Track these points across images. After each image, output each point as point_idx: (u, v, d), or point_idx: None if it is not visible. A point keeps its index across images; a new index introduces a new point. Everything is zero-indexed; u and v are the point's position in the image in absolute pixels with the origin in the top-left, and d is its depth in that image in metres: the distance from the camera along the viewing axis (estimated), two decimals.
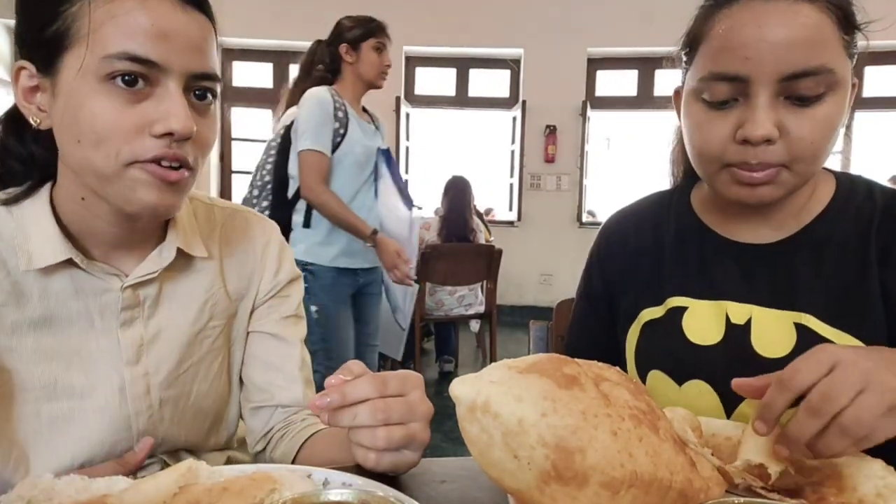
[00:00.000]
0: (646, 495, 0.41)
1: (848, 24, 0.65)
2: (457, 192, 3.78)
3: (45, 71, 0.59)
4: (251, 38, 5.49)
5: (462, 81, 6.13)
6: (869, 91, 5.52)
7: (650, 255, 0.84)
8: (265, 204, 2.14)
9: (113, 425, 0.66)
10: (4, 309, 0.62)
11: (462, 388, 0.44)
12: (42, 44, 0.58)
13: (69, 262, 0.63)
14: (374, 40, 2.05)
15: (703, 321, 0.76)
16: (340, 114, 2.01)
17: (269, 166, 2.14)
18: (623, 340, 0.84)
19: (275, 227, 0.83)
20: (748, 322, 0.73)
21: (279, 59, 5.79)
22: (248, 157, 6.15)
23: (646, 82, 5.93)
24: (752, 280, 0.75)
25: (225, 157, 6.04)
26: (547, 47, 5.76)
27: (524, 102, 5.85)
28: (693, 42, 0.71)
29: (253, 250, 0.79)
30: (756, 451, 0.52)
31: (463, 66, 6.09)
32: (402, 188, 2.31)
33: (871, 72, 5.50)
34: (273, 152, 2.14)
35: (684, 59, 0.74)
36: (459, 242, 3.64)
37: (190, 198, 0.76)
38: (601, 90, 5.99)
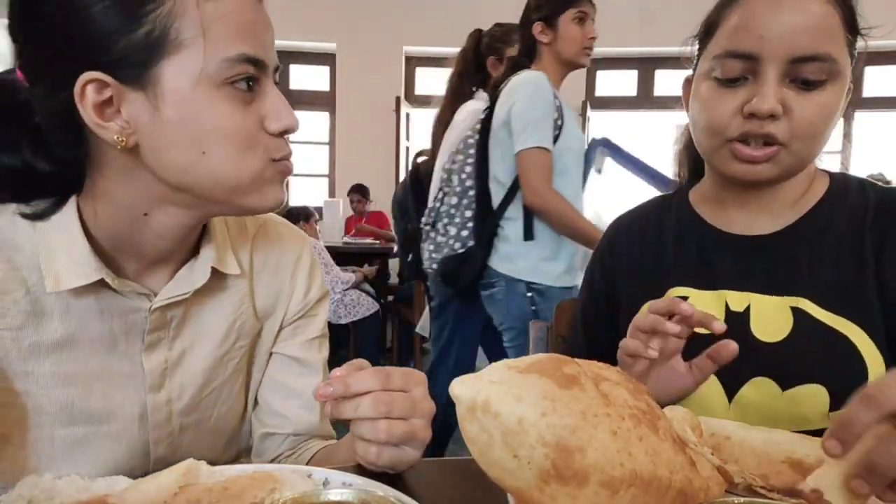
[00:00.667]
0: (645, 494, 0.41)
1: (852, 24, 0.70)
2: None
3: (131, 81, 0.52)
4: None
5: None
6: (869, 91, 5.52)
7: (652, 252, 0.87)
8: (468, 214, 1.87)
9: (130, 451, 0.64)
10: (22, 332, 0.57)
11: (462, 388, 0.44)
12: (128, 51, 0.51)
13: (97, 282, 0.58)
14: (574, 10, 1.77)
15: (704, 309, 0.77)
16: (558, 102, 1.71)
17: (468, 169, 1.87)
18: (625, 333, 0.85)
19: (306, 240, 0.79)
20: (747, 309, 0.76)
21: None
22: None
23: (646, 82, 5.93)
24: (749, 269, 0.78)
25: None
26: None
27: None
28: (709, 29, 0.76)
29: (284, 266, 0.75)
30: (828, 481, 0.44)
31: None
32: (653, 173, 1.93)
33: (871, 72, 5.50)
34: (471, 152, 1.85)
35: (697, 47, 0.79)
36: None
37: None
38: (601, 90, 5.99)
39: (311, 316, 0.77)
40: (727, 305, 0.77)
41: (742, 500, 0.43)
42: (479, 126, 1.84)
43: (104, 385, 0.62)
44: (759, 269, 0.77)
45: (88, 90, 0.52)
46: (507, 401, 0.41)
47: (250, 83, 0.55)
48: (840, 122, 0.74)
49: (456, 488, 0.56)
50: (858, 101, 5.53)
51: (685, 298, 0.80)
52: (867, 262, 0.72)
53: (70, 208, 0.58)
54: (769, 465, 0.53)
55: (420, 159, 2.73)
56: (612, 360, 0.87)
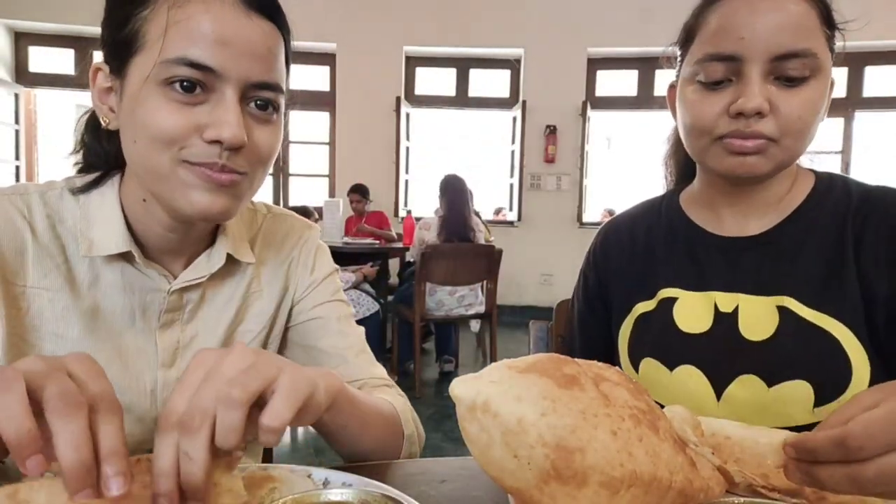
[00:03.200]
0: (645, 495, 0.41)
1: (829, 19, 0.72)
2: (454, 191, 3.77)
3: (116, 73, 0.60)
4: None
5: (462, 81, 6.13)
6: (869, 91, 5.53)
7: (643, 254, 0.89)
8: None
9: (139, 426, 0.66)
10: (59, 294, 0.63)
11: (462, 388, 0.44)
12: (116, 46, 0.59)
13: (123, 257, 0.64)
14: None
15: (693, 310, 0.81)
16: None
17: None
18: (617, 334, 0.89)
19: (313, 228, 0.83)
20: (735, 310, 0.77)
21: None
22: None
23: (646, 82, 5.93)
24: (737, 270, 0.79)
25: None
26: (547, 47, 5.77)
27: (524, 102, 5.86)
28: (689, 34, 0.77)
29: (288, 251, 0.79)
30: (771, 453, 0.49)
31: (463, 66, 6.10)
32: None
33: (871, 72, 5.50)
34: None
35: (679, 52, 0.80)
36: (460, 242, 3.63)
37: None
38: (601, 90, 6.00)
39: (319, 288, 0.80)
40: (716, 306, 0.79)
41: (742, 500, 0.43)
42: None
43: (121, 357, 0.66)
44: (747, 269, 0.79)
45: (99, 76, 0.62)
46: (507, 401, 0.41)
47: (187, 86, 0.56)
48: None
49: (456, 488, 0.56)
50: (858, 101, 5.53)
51: (675, 300, 0.82)
52: (848, 260, 0.74)
53: (113, 187, 0.66)
54: (769, 465, 0.53)
55: None
56: (608, 356, 0.88)
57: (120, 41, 0.58)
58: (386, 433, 0.68)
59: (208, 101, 0.57)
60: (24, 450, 0.35)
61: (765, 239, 0.79)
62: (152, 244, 0.67)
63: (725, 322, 0.77)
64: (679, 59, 0.80)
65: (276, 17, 0.61)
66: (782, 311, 0.74)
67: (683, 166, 0.93)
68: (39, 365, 0.38)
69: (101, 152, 0.68)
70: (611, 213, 6.55)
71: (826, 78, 0.71)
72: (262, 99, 0.60)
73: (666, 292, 0.83)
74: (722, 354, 0.75)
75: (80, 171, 0.70)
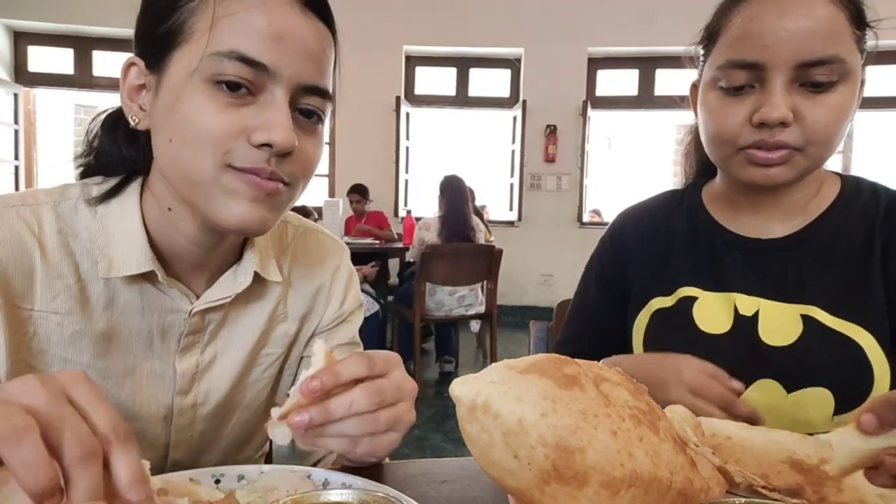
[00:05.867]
0: (645, 495, 0.41)
1: (860, 19, 0.69)
2: (453, 190, 3.77)
3: (153, 67, 0.55)
4: None
5: (462, 81, 6.13)
6: (869, 91, 5.51)
7: (661, 244, 0.87)
8: None
9: (150, 453, 0.63)
10: (68, 318, 0.58)
11: (462, 389, 0.44)
12: (156, 39, 0.55)
13: (144, 276, 0.59)
14: None
15: (713, 311, 0.79)
16: None
17: None
18: (630, 327, 0.87)
19: (345, 250, 0.78)
20: (756, 314, 0.76)
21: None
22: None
23: (646, 82, 5.93)
24: (760, 274, 0.77)
25: None
26: (547, 47, 5.76)
27: (524, 102, 5.85)
28: (712, 35, 0.74)
29: (321, 275, 0.74)
30: (850, 457, 0.44)
31: (463, 65, 6.10)
32: None
33: (871, 71, 5.49)
34: None
35: (702, 52, 0.77)
36: (460, 242, 3.63)
37: None
38: (601, 90, 6.00)
39: (345, 323, 0.77)
40: (736, 308, 0.77)
41: (743, 500, 0.43)
42: None
43: (135, 383, 0.62)
44: (770, 273, 0.77)
45: (131, 72, 0.57)
46: (508, 401, 0.41)
47: (237, 86, 0.52)
48: None
49: (456, 489, 0.56)
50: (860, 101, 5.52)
51: (694, 299, 0.80)
52: (875, 267, 0.72)
53: (133, 197, 0.61)
54: (770, 465, 0.53)
55: None
56: (609, 347, 0.86)
57: (160, 35, 0.54)
58: None
59: (256, 103, 0.53)
60: (46, 499, 0.33)
61: (789, 243, 0.77)
62: (175, 260, 0.62)
63: (745, 325, 0.75)
64: (702, 59, 0.77)
65: (329, 20, 0.58)
66: (806, 319, 0.73)
67: (706, 162, 0.88)
68: (40, 396, 0.35)
69: (119, 156, 0.62)
70: (598, 213, 6.54)
71: (855, 81, 0.69)
72: (310, 106, 0.57)
73: (685, 291, 0.81)
74: (741, 358, 0.73)
75: (85, 174, 0.65)
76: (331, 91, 0.59)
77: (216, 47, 0.51)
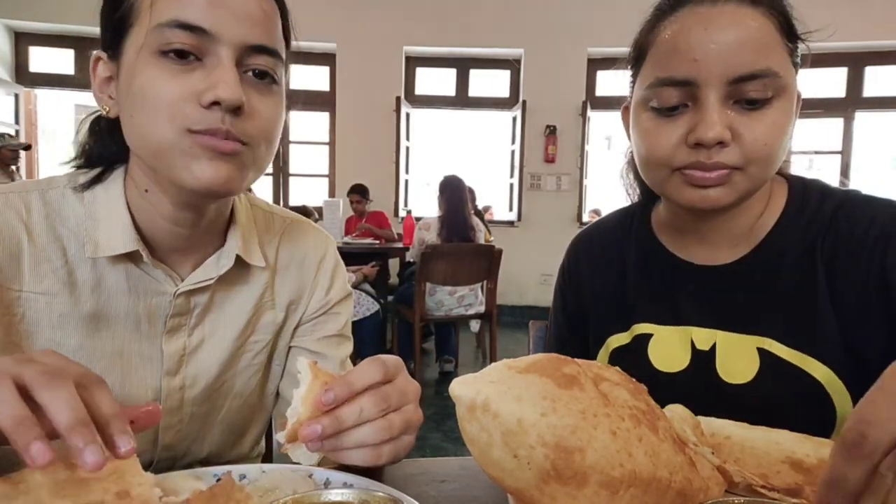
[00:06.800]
0: (645, 495, 0.41)
1: (790, 31, 0.65)
2: (453, 190, 3.76)
3: (114, 57, 0.58)
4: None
5: (462, 81, 6.13)
6: (869, 91, 5.52)
7: (615, 274, 0.84)
8: None
9: (138, 436, 0.64)
10: (56, 299, 0.60)
11: (462, 388, 0.44)
12: (112, 28, 0.57)
13: (129, 257, 0.62)
14: None
15: (669, 348, 0.76)
16: None
17: None
18: (594, 355, 0.84)
19: (331, 241, 0.80)
20: (713, 348, 0.73)
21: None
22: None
23: None
24: (713, 303, 0.74)
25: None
26: (547, 47, 5.77)
27: (524, 102, 5.86)
28: (639, 53, 0.70)
29: (307, 264, 0.76)
30: None
31: (463, 66, 6.10)
32: None
33: (871, 72, 5.50)
34: None
35: (630, 72, 0.73)
36: (460, 242, 3.64)
37: (251, 204, 0.74)
38: (601, 90, 6.00)
39: (331, 314, 0.78)
40: (693, 344, 0.74)
41: (742, 500, 0.43)
42: None
43: (124, 364, 0.64)
44: (722, 301, 0.73)
45: (99, 66, 0.60)
46: (507, 401, 0.41)
47: (184, 54, 0.54)
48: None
49: (456, 488, 0.56)
50: (858, 101, 5.52)
51: (650, 336, 0.77)
52: (821, 288, 0.68)
53: (117, 181, 0.64)
54: (769, 465, 0.53)
55: None
56: None
57: (115, 22, 0.57)
58: None
59: (204, 67, 0.55)
60: (23, 434, 0.35)
61: (738, 269, 0.73)
62: (159, 242, 0.64)
63: (702, 361, 0.73)
64: (631, 79, 0.73)
65: None
66: (763, 353, 0.69)
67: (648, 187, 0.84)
68: (6, 360, 0.38)
69: (103, 151, 0.65)
70: (597, 213, 6.54)
71: (791, 96, 0.65)
72: (261, 66, 0.58)
73: (640, 328, 0.78)
74: (700, 397, 0.68)
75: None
76: (281, 52, 0.60)
77: (159, 19, 0.54)
